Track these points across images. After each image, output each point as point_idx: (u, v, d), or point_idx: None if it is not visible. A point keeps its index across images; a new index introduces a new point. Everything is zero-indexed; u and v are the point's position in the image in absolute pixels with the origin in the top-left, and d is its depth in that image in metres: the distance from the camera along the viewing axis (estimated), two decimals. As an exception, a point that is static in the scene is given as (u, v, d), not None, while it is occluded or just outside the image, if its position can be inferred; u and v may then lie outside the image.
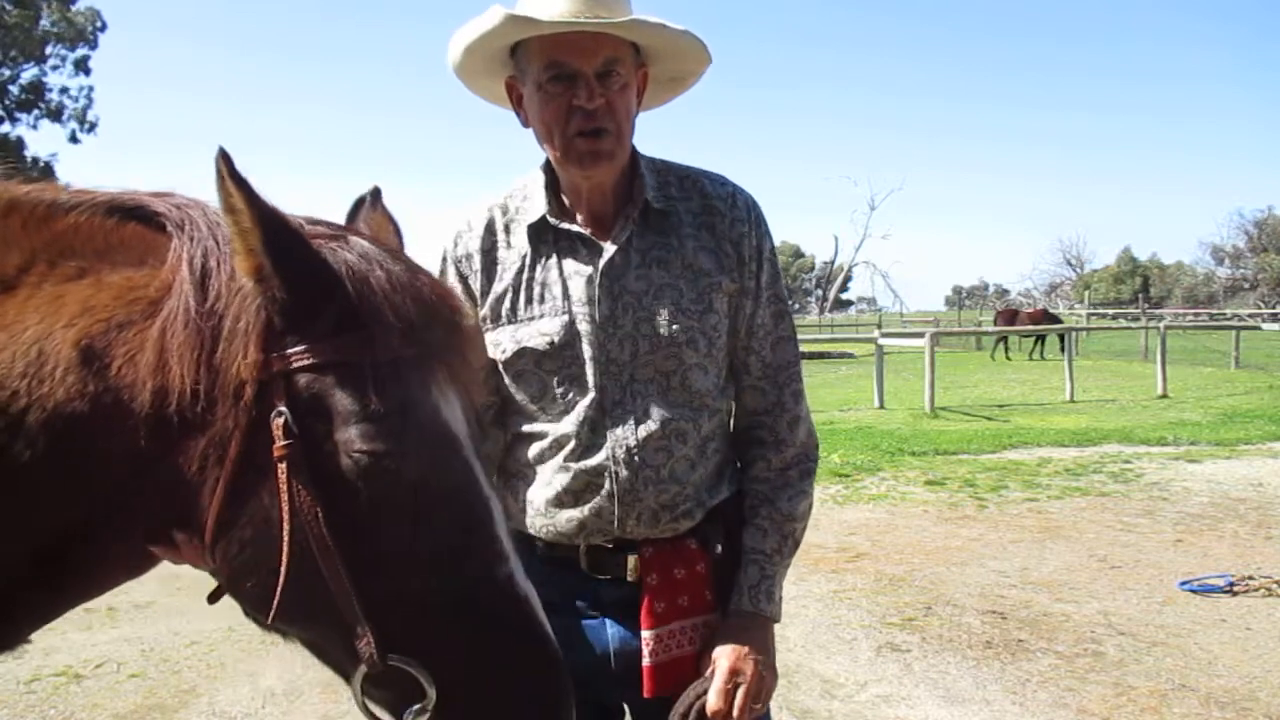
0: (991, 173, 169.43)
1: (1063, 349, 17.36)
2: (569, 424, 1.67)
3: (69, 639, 5.02)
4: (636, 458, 1.65)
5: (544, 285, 1.70)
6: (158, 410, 1.12)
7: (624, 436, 1.65)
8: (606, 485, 1.66)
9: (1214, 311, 43.15)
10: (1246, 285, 62.55)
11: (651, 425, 1.66)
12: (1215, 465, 9.55)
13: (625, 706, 1.81)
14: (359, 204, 1.43)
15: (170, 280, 1.16)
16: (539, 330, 1.68)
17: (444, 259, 1.76)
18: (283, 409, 1.10)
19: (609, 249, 1.68)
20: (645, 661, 1.65)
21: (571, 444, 1.67)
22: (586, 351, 1.66)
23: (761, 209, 1.79)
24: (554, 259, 1.71)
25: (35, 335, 1.15)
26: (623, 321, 1.66)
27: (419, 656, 1.11)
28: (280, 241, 1.11)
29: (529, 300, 1.70)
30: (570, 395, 1.68)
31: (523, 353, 1.69)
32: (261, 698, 4.30)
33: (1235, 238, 65.84)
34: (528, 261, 1.72)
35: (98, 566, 1.23)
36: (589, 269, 1.68)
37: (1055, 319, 28.22)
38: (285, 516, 1.10)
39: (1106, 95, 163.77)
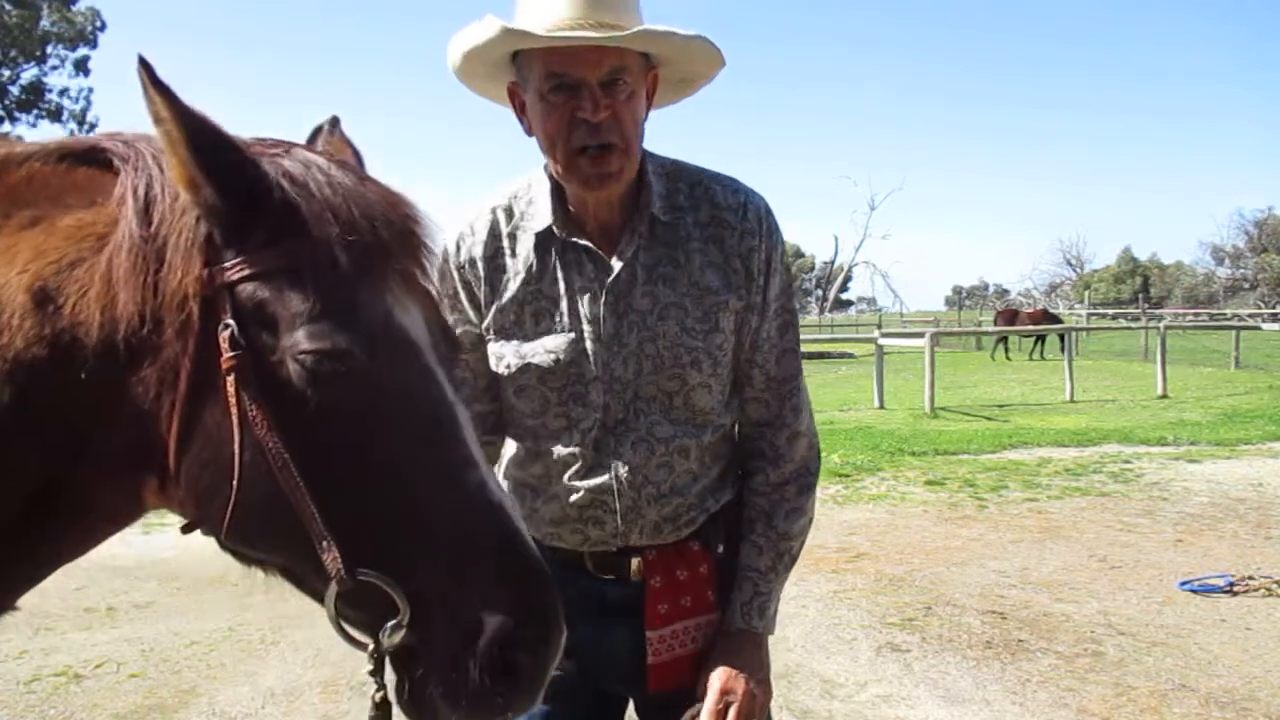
0: (991, 173, 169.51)
1: (1063, 349, 17.36)
2: (573, 444, 1.66)
3: (69, 639, 5.02)
4: (640, 476, 1.65)
5: (550, 300, 1.67)
6: (110, 341, 1.10)
7: (627, 457, 1.65)
8: (610, 503, 1.66)
9: (1214, 311, 43.13)
10: (1246, 285, 62.58)
11: (655, 445, 1.65)
12: (1215, 465, 9.55)
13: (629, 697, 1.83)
14: (317, 132, 1.39)
15: (117, 213, 1.14)
16: (544, 347, 1.65)
17: (445, 262, 1.73)
18: (229, 321, 1.09)
19: (615, 265, 1.64)
20: (649, 660, 1.67)
21: (576, 464, 1.67)
22: (591, 370, 1.64)
23: (774, 216, 1.73)
24: (560, 272, 1.66)
25: None
26: (627, 340, 1.63)
27: (390, 571, 1.08)
28: (208, 147, 1.09)
29: (535, 315, 1.67)
30: (574, 414, 1.66)
31: (526, 368, 1.66)
32: (261, 698, 4.29)
33: (1235, 238, 65.92)
34: (533, 273, 1.68)
35: (83, 516, 1.21)
36: (595, 285, 1.64)
37: (1055, 319, 28.19)
38: (236, 430, 1.08)
39: (1107, 95, 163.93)
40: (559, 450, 1.68)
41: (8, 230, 1.16)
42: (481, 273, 1.70)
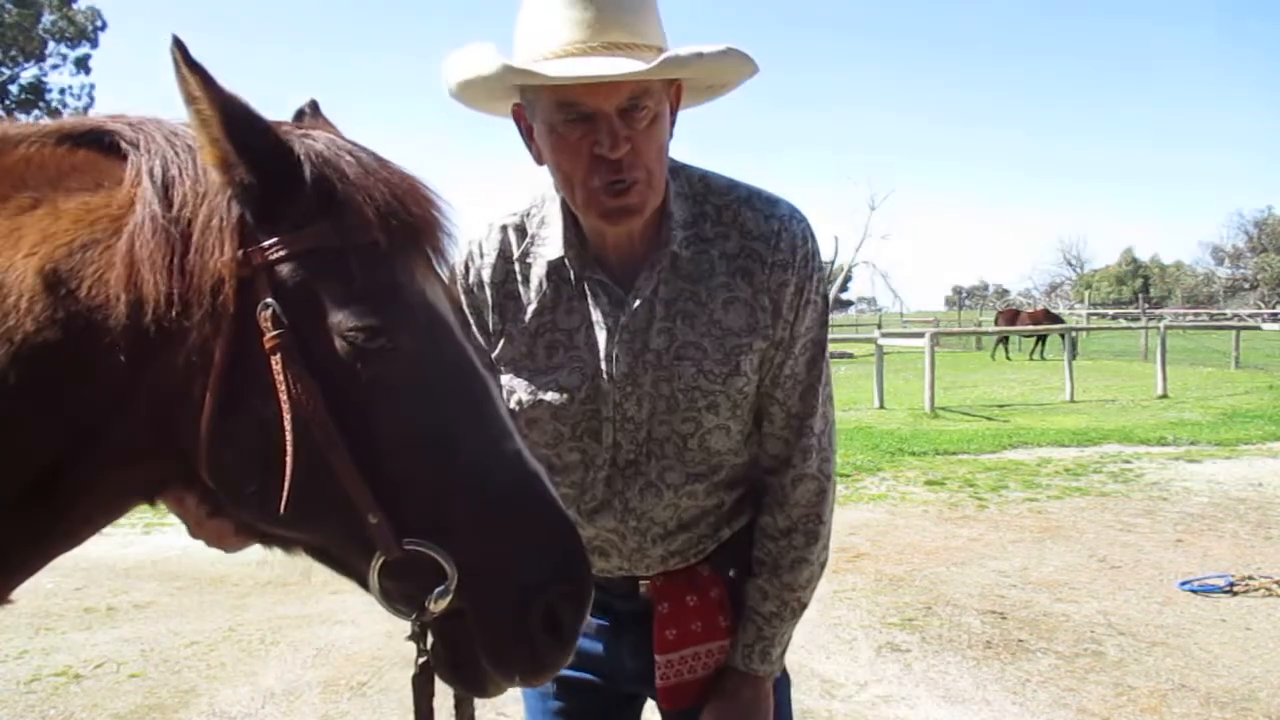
0: (992, 173, 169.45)
1: (1065, 348, 17.32)
2: (585, 479, 1.61)
3: (69, 639, 5.02)
4: (645, 520, 1.60)
5: (564, 334, 1.57)
6: (133, 325, 1.09)
7: (634, 502, 1.59)
8: (615, 542, 1.62)
9: (1214, 311, 43.11)
10: (1246, 285, 62.61)
11: (664, 490, 1.59)
12: (1215, 465, 9.55)
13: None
14: (299, 116, 1.36)
15: (131, 196, 1.13)
16: (558, 383, 1.56)
17: (453, 283, 1.62)
18: (269, 300, 1.08)
19: (632, 302, 1.53)
20: (658, 682, 1.63)
21: (586, 500, 1.61)
22: (600, 407, 1.56)
23: (814, 240, 1.59)
24: (574, 305, 1.56)
25: None
26: (642, 380, 1.54)
27: (435, 539, 1.10)
28: (242, 126, 1.09)
29: (548, 349, 1.58)
30: (589, 449, 1.59)
31: (538, 404, 1.58)
32: (261, 698, 4.29)
33: (1235, 238, 65.94)
34: (546, 303, 1.58)
35: (83, 505, 1.19)
36: (610, 321, 1.54)
37: (1057, 319, 28.17)
38: (285, 409, 1.07)
39: (1107, 95, 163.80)
40: (571, 482, 1.62)
41: (5, 213, 1.15)
42: (490, 299, 1.61)
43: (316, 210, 1.12)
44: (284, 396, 1.07)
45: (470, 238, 1.65)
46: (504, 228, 1.63)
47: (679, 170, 1.59)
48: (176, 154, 1.14)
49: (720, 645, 1.64)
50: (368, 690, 4.33)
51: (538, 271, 1.59)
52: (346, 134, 1.33)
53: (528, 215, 1.62)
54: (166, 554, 6.33)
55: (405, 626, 1.16)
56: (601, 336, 1.55)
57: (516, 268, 1.61)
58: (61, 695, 4.32)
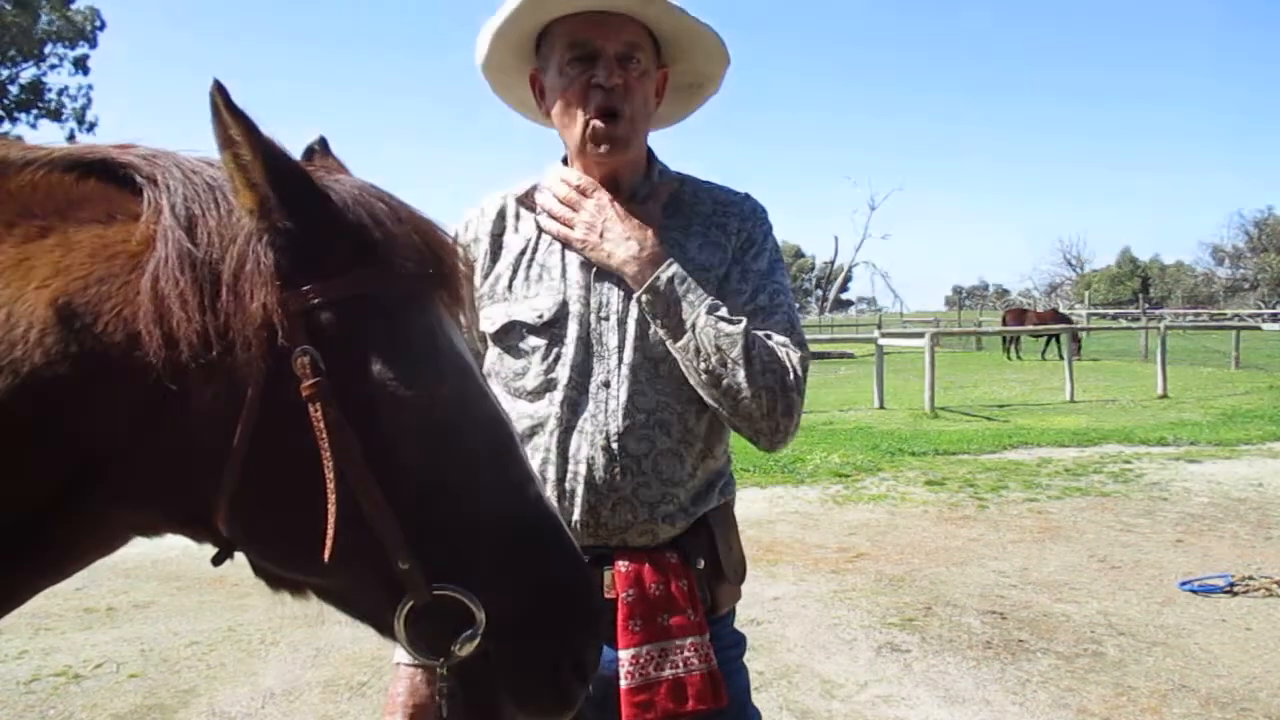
0: (992, 173, 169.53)
1: (1076, 349, 17.20)
2: (550, 403, 1.65)
3: (69, 639, 5.02)
4: (615, 445, 1.61)
5: (544, 267, 1.71)
6: (154, 364, 1.06)
7: (604, 421, 1.62)
8: (583, 470, 1.61)
9: (1214, 311, 43.13)
10: (1246, 285, 62.62)
11: (634, 411, 1.62)
12: (1215, 465, 9.55)
13: None
14: (309, 153, 1.34)
15: (150, 232, 1.10)
16: (531, 306, 1.68)
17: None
18: (307, 347, 1.07)
19: None
20: (622, 684, 1.55)
21: (551, 424, 1.64)
22: (574, 330, 1.65)
23: (769, 215, 1.81)
24: (556, 244, 1.72)
25: (1, 300, 1.07)
26: (615, 305, 1.66)
27: (464, 584, 1.10)
28: (284, 173, 1.09)
29: (527, 280, 1.71)
30: (553, 373, 1.65)
31: (511, 326, 1.69)
32: (261, 698, 4.29)
33: (1235, 238, 65.93)
34: (532, 244, 1.74)
35: (75, 540, 1.16)
36: None
37: (1065, 319, 28.07)
38: (326, 457, 1.05)
39: (1107, 96, 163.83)
40: (536, 413, 1.66)
41: (11, 240, 1.11)
42: (485, 248, 1.78)
43: (355, 256, 1.11)
44: (324, 444, 1.06)
45: (476, 205, 1.84)
46: (505, 195, 1.83)
47: (660, 162, 1.80)
48: (197, 192, 1.12)
49: (691, 642, 1.58)
50: (368, 690, 4.33)
51: (527, 219, 1.77)
52: (356, 172, 1.33)
53: (524, 191, 1.81)
54: (166, 554, 6.32)
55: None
56: (577, 265, 1.69)
57: (510, 221, 1.79)
58: (61, 695, 4.32)
